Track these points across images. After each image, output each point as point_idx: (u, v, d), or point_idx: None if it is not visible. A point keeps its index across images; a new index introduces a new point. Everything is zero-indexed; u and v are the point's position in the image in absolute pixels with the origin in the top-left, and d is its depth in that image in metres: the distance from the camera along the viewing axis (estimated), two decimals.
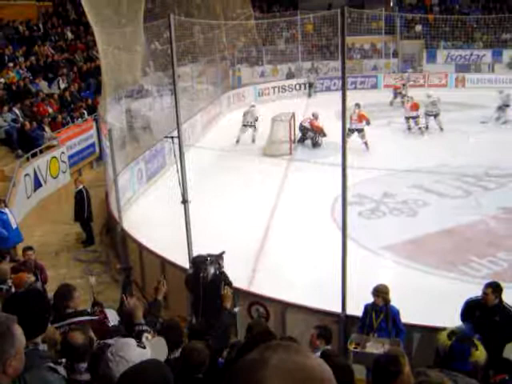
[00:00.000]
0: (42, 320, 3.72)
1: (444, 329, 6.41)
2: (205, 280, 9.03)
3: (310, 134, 21.32)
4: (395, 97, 28.72)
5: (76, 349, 3.91)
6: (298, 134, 21.68)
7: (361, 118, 20.52)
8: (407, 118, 22.85)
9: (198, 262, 9.20)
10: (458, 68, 35.00)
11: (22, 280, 7.66)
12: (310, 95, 31.81)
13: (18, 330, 2.68)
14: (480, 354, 5.09)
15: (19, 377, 2.80)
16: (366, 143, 20.21)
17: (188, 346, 4.85)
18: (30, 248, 10.45)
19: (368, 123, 20.61)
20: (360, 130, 20.37)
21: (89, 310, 6.08)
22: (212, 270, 9.09)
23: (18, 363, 2.67)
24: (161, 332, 5.47)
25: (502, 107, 23.22)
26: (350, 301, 8.79)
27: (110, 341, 3.25)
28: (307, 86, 32.64)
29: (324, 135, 20.93)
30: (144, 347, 3.28)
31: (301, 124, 21.71)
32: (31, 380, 2.97)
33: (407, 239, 13.07)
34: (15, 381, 2.76)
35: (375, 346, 7.51)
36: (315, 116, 21.54)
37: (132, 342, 3.27)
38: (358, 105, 20.82)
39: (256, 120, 22.29)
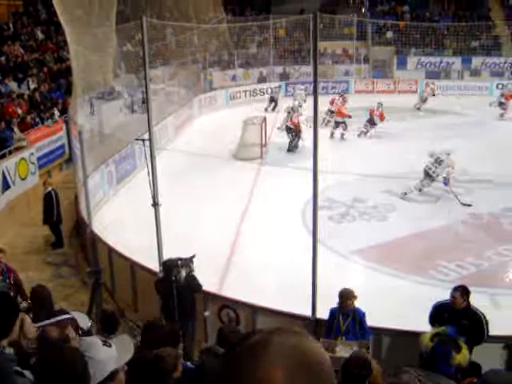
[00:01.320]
0: (7, 323, 3.67)
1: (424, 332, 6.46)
2: (178, 284, 9.01)
3: (290, 136, 21.17)
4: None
5: (51, 344, 3.89)
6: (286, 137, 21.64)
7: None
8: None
9: (169, 266, 9.17)
10: (427, 74, 35.38)
11: None
12: (273, 110, 29.56)
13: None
14: (462, 356, 5.11)
15: None
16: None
17: (159, 351, 4.83)
18: (1, 250, 10.27)
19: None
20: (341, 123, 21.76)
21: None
22: (184, 274, 9.07)
23: None
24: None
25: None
26: (320, 304, 8.83)
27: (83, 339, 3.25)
28: (269, 100, 30.33)
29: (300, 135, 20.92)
30: (110, 345, 3.26)
31: (286, 126, 21.58)
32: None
33: (377, 243, 13.17)
34: None
35: (344, 350, 7.54)
36: (295, 109, 21.44)
37: (98, 341, 3.25)
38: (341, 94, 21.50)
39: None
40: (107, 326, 6.39)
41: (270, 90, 31.85)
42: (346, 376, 4.32)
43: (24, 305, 6.64)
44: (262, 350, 1.22)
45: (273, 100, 29.82)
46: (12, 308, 3.83)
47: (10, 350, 3.56)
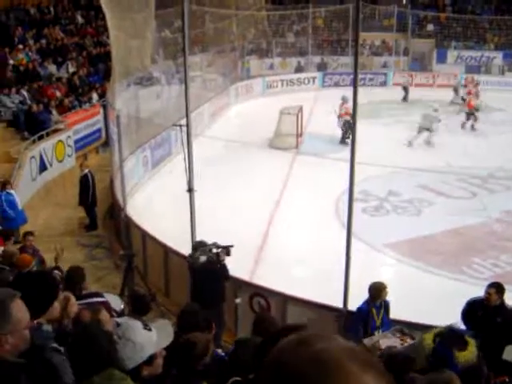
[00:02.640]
0: (46, 300, 3.71)
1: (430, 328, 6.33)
2: (194, 265, 9.15)
3: (344, 128, 20.85)
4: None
5: (82, 326, 3.93)
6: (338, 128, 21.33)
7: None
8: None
9: (194, 247, 9.37)
10: (468, 69, 34.80)
11: (25, 261, 7.66)
12: (404, 100, 29.17)
13: (16, 307, 2.65)
14: (468, 353, 4.97)
15: (23, 356, 2.79)
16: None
17: (191, 336, 4.84)
18: (31, 233, 10.49)
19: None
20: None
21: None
22: (203, 259, 9.19)
23: (18, 340, 2.64)
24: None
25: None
26: (350, 296, 8.79)
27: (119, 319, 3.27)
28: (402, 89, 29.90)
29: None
30: (150, 329, 3.28)
31: (345, 121, 20.81)
32: (35, 360, 2.96)
33: (410, 238, 13.06)
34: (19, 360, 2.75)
35: (387, 341, 7.44)
36: (345, 99, 21.06)
37: (138, 324, 3.28)
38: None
39: (432, 123, 21.13)
40: (137, 308, 6.44)
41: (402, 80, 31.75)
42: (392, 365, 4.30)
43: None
44: (335, 367, 1.10)
45: (405, 89, 29.75)
46: (51, 287, 3.88)
47: (47, 327, 3.60)
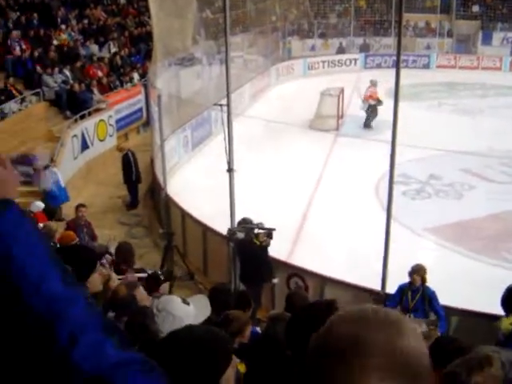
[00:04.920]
0: (82, 272, 3.77)
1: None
2: (231, 239, 9.49)
3: (368, 112, 20.68)
4: None
5: (118, 300, 4.00)
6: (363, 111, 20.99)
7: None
8: None
9: (238, 222, 9.51)
10: None
11: (68, 237, 7.80)
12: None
13: None
14: None
15: None
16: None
17: (229, 313, 4.88)
18: (83, 205, 10.79)
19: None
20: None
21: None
22: (240, 235, 9.37)
23: None
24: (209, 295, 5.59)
25: None
26: (389, 280, 8.75)
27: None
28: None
29: (380, 103, 20.32)
30: (188, 304, 3.33)
31: (369, 105, 20.65)
32: None
33: (451, 222, 12.90)
34: None
35: None
36: (373, 83, 20.82)
37: (177, 298, 3.33)
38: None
39: None
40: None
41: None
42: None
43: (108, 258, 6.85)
44: (353, 356, 1.07)
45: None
46: (88, 259, 3.94)
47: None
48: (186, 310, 3.25)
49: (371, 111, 20.44)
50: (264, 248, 9.57)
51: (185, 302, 3.34)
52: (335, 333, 1.12)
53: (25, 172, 14.20)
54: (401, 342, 1.09)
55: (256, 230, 9.45)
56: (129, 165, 14.93)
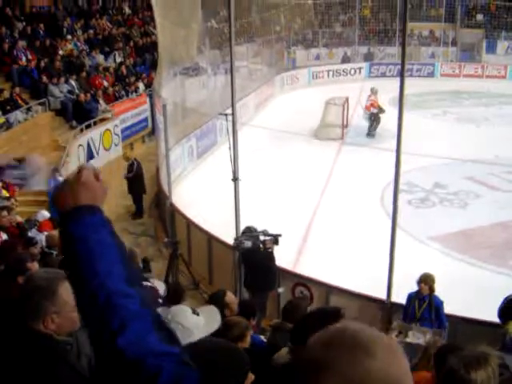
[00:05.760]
0: None
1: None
2: (238, 249, 9.51)
3: (370, 121, 20.71)
4: None
5: None
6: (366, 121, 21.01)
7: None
8: None
9: (242, 231, 9.52)
10: None
11: None
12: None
13: (64, 289, 2.68)
14: None
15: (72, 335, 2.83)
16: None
17: (229, 319, 4.88)
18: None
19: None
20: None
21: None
22: (248, 244, 9.35)
23: (65, 322, 2.67)
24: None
25: None
26: (394, 288, 8.74)
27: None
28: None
29: (382, 111, 20.36)
30: (198, 314, 3.34)
31: (371, 113, 20.68)
32: (82, 339, 3.01)
33: (456, 231, 12.88)
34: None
35: (417, 336, 7.45)
36: (373, 91, 20.83)
37: (187, 309, 3.34)
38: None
39: None
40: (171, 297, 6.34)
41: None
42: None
43: None
44: (322, 379, 1.08)
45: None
46: None
47: None
48: (195, 321, 3.25)
49: (374, 120, 20.47)
50: (270, 255, 9.57)
51: (195, 312, 3.35)
52: (307, 352, 1.14)
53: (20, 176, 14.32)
54: (367, 364, 1.06)
55: (262, 237, 9.46)
56: (136, 175, 14.99)
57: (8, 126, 16.13)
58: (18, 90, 17.39)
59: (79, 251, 1.45)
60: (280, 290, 9.94)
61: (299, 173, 16.08)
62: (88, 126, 17.64)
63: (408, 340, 7.35)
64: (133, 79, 22.20)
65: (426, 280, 7.94)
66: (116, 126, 18.96)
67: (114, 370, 1.36)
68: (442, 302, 8.05)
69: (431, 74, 32.82)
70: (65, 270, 1.67)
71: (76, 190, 1.54)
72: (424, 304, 8.03)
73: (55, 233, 9.42)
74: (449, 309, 8.22)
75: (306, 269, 10.53)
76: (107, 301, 1.39)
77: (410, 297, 8.19)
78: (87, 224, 1.48)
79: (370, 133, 20.60)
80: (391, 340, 1.17)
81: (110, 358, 1.36)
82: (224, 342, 2.59)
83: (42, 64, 19.23)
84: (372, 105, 20.50)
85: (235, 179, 9.75)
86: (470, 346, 3.15)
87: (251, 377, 2.34)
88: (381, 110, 20.23)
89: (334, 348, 1.10)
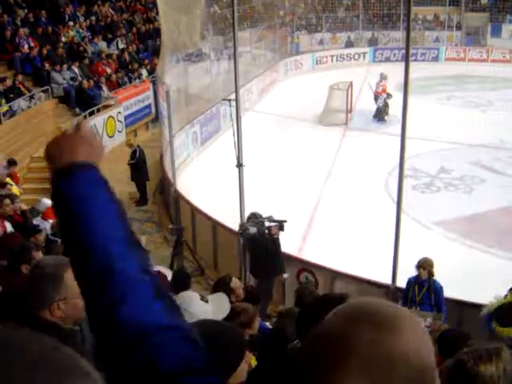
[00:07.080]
0: None
1: None
2: (243, 235, 9.49)
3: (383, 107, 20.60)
4: None
5: None
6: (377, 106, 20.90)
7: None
8: None
9: (247, 217, 9.52)
10: None
11: None
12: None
13: (69, 275, 2.66)
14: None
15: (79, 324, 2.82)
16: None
17: (236, 305, 4.88)
18: None
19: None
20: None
21: None
22: (253, 230, 9.35)
23: (71, 309, 2.66)
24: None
25: None
26: (399, 273, 8.74)
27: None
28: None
29: (390, 96, 20.28)
30: (207, 301, 3.33)
31: (382, 99, 20.55)
32: (87, 328, 3.01)
33: (461, 216, 12.84)
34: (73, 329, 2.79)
35: None
36: (383, 76, 20.82)
37: (195, 295, 3.33)
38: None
39: None
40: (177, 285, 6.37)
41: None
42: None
43: None
44: (334, 355, 0.99)
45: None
46: None
47: None
48: (204, 308, 3.25)
49: (384, 105, 20.39)
50: (275, 241, 9.57)
51: (203, 299, 3.35)
52: (325, 328, 1.06)
53: None
54: (390, 340, 1.00)
55: (267, 223, 9.45)
56: (138, 161, 14.96)
57: (11, 113, 16.13)
58: (20, 77, 17.36)
59: (76, 209, 1.34)
60: (285, 275, 9.95)
61: (303, 158, 16.03)
62: (91, 113, 17.62)
63: None
64: (136, 66, 22.15)
65: (424, 265, 7.95)
66: (119, 112, 18.94)
67: (110, 346, 1.25)
68: (441, 287, 8.06)
69: (436, 59, 32.65)
70: (59, 233, 1.57)
71: (74, 145, 1.44)
72: (424, 288, 8.05)
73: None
74: (453, 294, 8.22)
75: (310, 254, 10.53)
76: (106, 264, 1.29)
77: (410, 281, 8.21)
78: (84, 181, 1.38)
79: (382, 118, 20.47)
80: (416, 317, 1.12)
81: (107, 332, 1.25)
82: (219, 321, 2.59)
83: (45, 51, 19.16)
84: (384, 90, 20.44)
85: (239, 165, 9.73)
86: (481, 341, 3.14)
87: (249, 356, 2.33)
88: (389, 96, 20.15)
89: (357, 323, 1.02)
